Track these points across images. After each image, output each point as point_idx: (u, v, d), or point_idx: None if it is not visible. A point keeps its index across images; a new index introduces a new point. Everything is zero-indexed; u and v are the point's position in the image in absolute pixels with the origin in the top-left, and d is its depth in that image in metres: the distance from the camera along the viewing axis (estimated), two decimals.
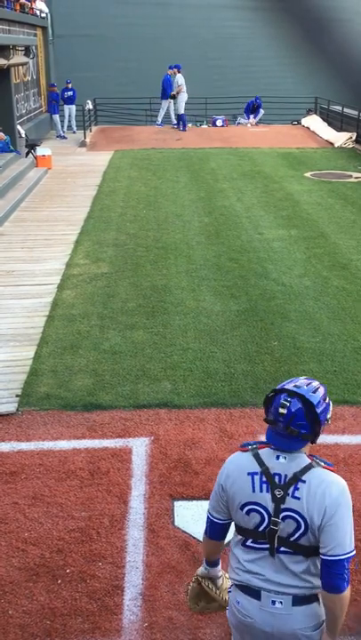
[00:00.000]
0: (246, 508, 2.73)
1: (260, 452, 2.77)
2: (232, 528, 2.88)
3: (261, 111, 25.07)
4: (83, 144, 21.23)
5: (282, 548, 2.71)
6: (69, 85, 23.25)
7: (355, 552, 2.66)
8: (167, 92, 23.43)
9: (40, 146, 17.96)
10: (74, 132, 23.50)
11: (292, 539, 2.69)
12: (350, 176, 16.48)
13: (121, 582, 4.10)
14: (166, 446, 5.44)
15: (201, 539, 4.42)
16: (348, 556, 2.63)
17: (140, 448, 5.44)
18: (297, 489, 2.66)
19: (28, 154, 17.54)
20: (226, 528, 2.91)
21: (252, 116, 25.13)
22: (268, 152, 19.87)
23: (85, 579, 4.12)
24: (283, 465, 2.70)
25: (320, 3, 25.77)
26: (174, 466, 5.19)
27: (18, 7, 20.01)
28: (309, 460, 2.72)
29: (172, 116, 24.37)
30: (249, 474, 2.73)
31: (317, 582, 2.71)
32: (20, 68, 19.74)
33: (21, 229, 11.91)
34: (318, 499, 2.64)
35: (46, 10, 25.19)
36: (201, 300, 8.42)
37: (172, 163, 18.11)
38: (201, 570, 3.10)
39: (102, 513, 4.68)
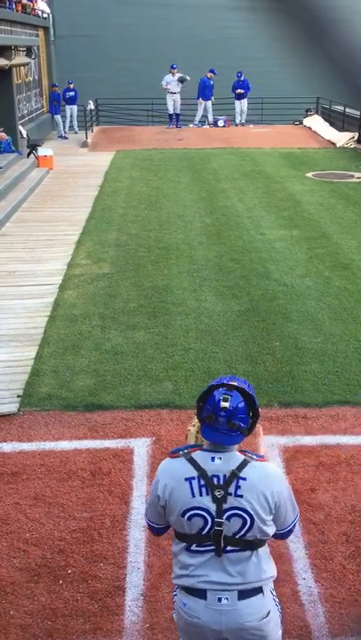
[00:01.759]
0: (188, 514, 2.70)
1: (193, 455, 2.74)
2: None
3: (245, 102, 24.76)
4: (84, 144, 21.24)
5: (228, 547, 2.72)
6: (71, 86, 23.26)
7: (298, 512, 2.88)
8: (206, 93, 23.91)
9: (42, 146, 17.97)
10: (75, 133, 23.51)
11: (237, 536, 2.71)
12: (352, 176, 16.46)
13: (122, 583, 4.10)
14: (168, 447, 5.43)
15: None
16: (295, 522, 2.85)
17: (141, 448, 5.43)
18: (238, 487, 2.68)
19: (29, 154, 17.55)
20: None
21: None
22: (270, 152, 19.86)
23: (87, 579, 4.12)
24: (219, 465, 2.70)
25: (321, 3, 25.71)
26: None
27: (20, 8, 20.01)
28: (243, 456, 2.74)
29: (198, 117, 24.72)
30: (186, 479, 2.71)
31: (261, 575, 2.77)
32: (22, 68, 19.74)
33: (23, 230, 11.92)
34: (261, 493, 2.69)
35: (48, 10, 25.20)
36: (202, 300, 8.42)
37: (174, 163, 18.11)
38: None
39: (104, 513, 4.68)
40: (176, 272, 9.48)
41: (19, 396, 6.20)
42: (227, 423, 2.67)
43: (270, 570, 2.83)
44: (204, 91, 24.00)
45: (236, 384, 2.74)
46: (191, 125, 24.68)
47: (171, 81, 23.39)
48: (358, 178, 16.28)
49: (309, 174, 16.58)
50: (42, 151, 17.42)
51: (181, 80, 23.34)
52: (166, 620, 3.83)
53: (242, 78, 24.29)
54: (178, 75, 23.26)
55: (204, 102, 24.29)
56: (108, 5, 26.40)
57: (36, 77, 23.14)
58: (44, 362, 6.85)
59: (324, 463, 5.23)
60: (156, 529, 2.93)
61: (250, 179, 15.98)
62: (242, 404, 2.70)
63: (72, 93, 23.36)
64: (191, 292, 8.67)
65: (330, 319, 7.83)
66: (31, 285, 9.07)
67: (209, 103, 24.38)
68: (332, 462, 5.24)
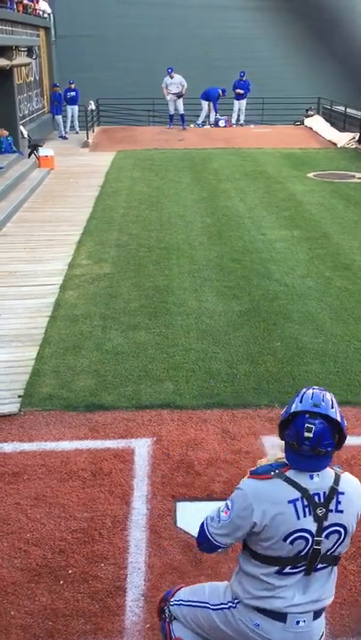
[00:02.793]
0: (291, 538, 2.59)
1: (287, 475, 2.62)
2: None
3: (243, 102, 24.80)
4: (85, 144, 21.24)
5: (318, 565, 2.65)
6: (72, 86, 23.27)
7: None
8: (210, 99, 24.27)
9: (43, 146, 17.97)
10: (76, 133, 23.53)
11: (329, 552, 2.64)
12: (353, 176, 16.46)
13: (123, 583, 4.10)
14: (169, 447, 5.44)
15: None
16: None
17: (142, 449, 5.43)
18: (339, 502, 2.61)
19: (30, 154, 17.55)
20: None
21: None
22: (271, 152, 19.87)
23: (87, 579, 4.12)
24: (318, 483, 2.62)
25: (323, 3, 25.78)
26: (177, 467, 5.19)
27: (21, 8, 20.02)
28: (332, 470, 2.67)
29: (202, 117, 24.88)
30: (290, 502, 2.58)
31: (332, 592, 2.73)
32: (23, 68, 19.74)
33: (24, 230, 11.92)
34: (355, 504, 2.65)
35: (49, 10, 25.20)
36: (203, 300, 8.41)
37: (175, 163, 18.11)
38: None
39: (104, 514, 4.68)
40: (177, 272, 9.48)
41: (19, 397, 6.20)
42: (311, 450, 2.58)
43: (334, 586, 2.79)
44: (208, 96, 24.17)
45: (319, 411, 2.59)
46: (192, 125, 24.69)
47: (170, 83, 23.40)
48: (359, 178, 16.27)
49: (310, 174, 16.58)
50: (43, 151, 17.42)
51: (178, 95, 23.45)
52: None
53: (244, 78, 24.29)
54: (177, 76, 23.27)
55: (206, 103, 24.34)
56: (108, 5, 26.40)
57: (37, 77, 23.14)
58: (45, 362, 6.85)
59: None
60: (216, 547, 2.78)
61: (251, 179, 15.98)
62: (327, 431, 2.59)
63: (73, 93, 23.37)
64: (192, 293, 8.67)
65: (331, 319, 7.83)
66: (32, 285, 9.07)
67: (211, 105, 24.48)
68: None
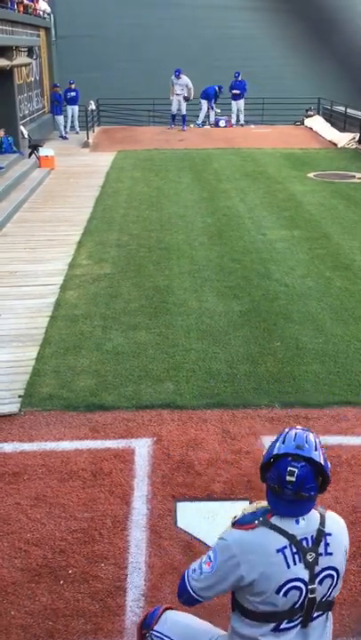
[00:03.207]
0: (284, 589, 2.43)
1: (272, 521, 2.48)
2: None
3: (241, 102, 24.81)
4: (86, 145, 21.25)
5: (315, 614, 2.51)
6: (72, 86, 23.28)
7: None
8: (208, 98, 24.45)
9: (43, 146, 17.97)
10: (77, 133, 23.53)
11: (324, 598, 2.51)
12: (353, 176, 16.46)
13: (123, 583, 4.10)
14: (169, 447, 5.44)
15: (204, 540, 4.43)
16: None
17: (142, 449, 5.43)
18: (327, 544, 2.49)
19: (30, 154, 17.55)
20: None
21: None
22: (271, 153, 19.87)
23: (88, 579, 4.12)
24: (304, 527, 2.48)
25: (322, 3, 25.72)
26: (177, 467, 5.19)
27: (21, 8, 20.02)
28: (316, 510, 2.54)
29: (201, 117, 24.91)
30: (278, 551, 2.43)
31: (330, 638, 2.62)
32: (23, 68, 19.75)
33: (24, 230, 11.92)
34: (343, 543, 2.54)
35: (49, 10, 25.20)
36: (203, 300, 8.41)
37: (175, 163, 18.12)
38: None
39: (105, 514, 4.68)
40: (177, 272, 9.48)
41: (20, 397, 6.20)
42: (294, 495, 2.44)
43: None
44: (207, 95, 24.27)
45: (302, 454, 2.45)
46: (192, 126, 24.70)
47: (175, 83, 23.39)
48: (359, 178, 16.27)
49: (311, 175, 16.58)
50: (43, 151, 17.42)
51: (186, 99, 23.48)
52: None
53: (239, 78, 24.30)
54: (183, 78, 23.28)
55: (206, 102, 24.40)
56: (109, 5, 26.40)
57: (38, 78, 23.15)
58: (46, 362, 6.85)
59: None
60: (195, 601, 2.60)
61: (251, 179, 15.99)
62: (310, 475, 2.45)
63: (73, 94, 23.37)
64: (192, 293, 8.67)
65: (331, 320, 7.83)
66: (32, 286, 9.07)
67: (207, 104, 24.53)
68: (333, 463, 5.21)
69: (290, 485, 2.43)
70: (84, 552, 4.33)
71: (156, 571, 4.19)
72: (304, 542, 2.45)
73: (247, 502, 4.77)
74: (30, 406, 6.06)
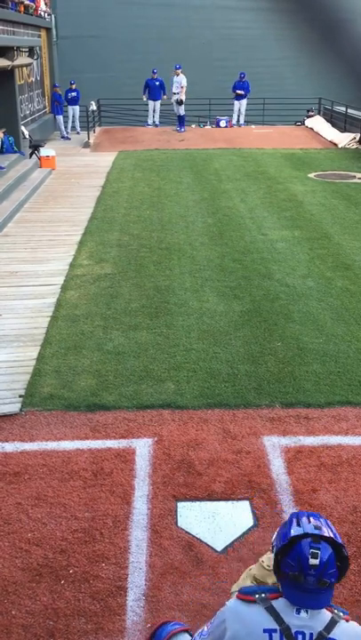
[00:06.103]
0: None
1: (273, 604, 2.29)
2: None
3: (244, 102, 24.75)
4: (86, 145, 21.26)
5: None
6: (73, 86, 23.29)
7: None
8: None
9: (44, 147, 17.98)
10: (78, 133, 23.54)
11: None
12: (354, 177, 16.46)
13: (124, 583, 4.10)
14: (170, 447, 5.44)
15: (204, 539, 4.44)
16: None
17: (143, 449, 5.44)
18: None
19: (31, 155, 17.56)
20: None
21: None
22: (272, 153, 19.87)
23: (89, 579, 4.12)
24: (305, 620, 2.26)
25: (325, 3, 25.79)
26: (177, 467, 5.19)
27: (22, 9, 20.03)
28: (330, 614, 2.30)
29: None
30: (265, 631, 2.26)
31: None
32: (25, 69, 19.76)
33: (25, 230, 11.93)
34: None
35: (50, 11, 25.20)
36: (204, 300, 8.42)
37: (176, 163, 18.12)
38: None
39: (105, 513, 4.68)
40: (178, 272, 9.49)
41: (21, 396, 6.21)
42: (317, 582, 2.22)
43: None
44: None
45: (323, 533, 2.26)
46: (193, 126, 24.65)
47: (173, 81, 23.36)
48: (360, 178, 16.27)
49: (311, 175, 16.58)
50: (44, 152, 17.43)
51: (178, 102, 23.38)
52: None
53: (244, 79, 24.27)
54: (180, 75, 23.21)
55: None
56: (109, 6, 26.42)
57: (39, 78, 23.16)
58: (46, 362, 6.85)
59: (325, 464, 5.23)
60: None
61: (252, 179, 15.99)
62: (333, 557, 2.24)
63: (74, 94, 23.38)
64: (193, 293, 8.68)
65: (332, 320, 7.83)
66: (33, 286, 9.08)
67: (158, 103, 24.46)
68: (333, 463, 5.25)
69: (312, 570, 2.22)
70: (85, 552, 4.33)
71: (157, 570, 4.19)
72: (300, 637, 2.26)
73: (247, 502, 4.78)
74: (31, 406, 6.06)
